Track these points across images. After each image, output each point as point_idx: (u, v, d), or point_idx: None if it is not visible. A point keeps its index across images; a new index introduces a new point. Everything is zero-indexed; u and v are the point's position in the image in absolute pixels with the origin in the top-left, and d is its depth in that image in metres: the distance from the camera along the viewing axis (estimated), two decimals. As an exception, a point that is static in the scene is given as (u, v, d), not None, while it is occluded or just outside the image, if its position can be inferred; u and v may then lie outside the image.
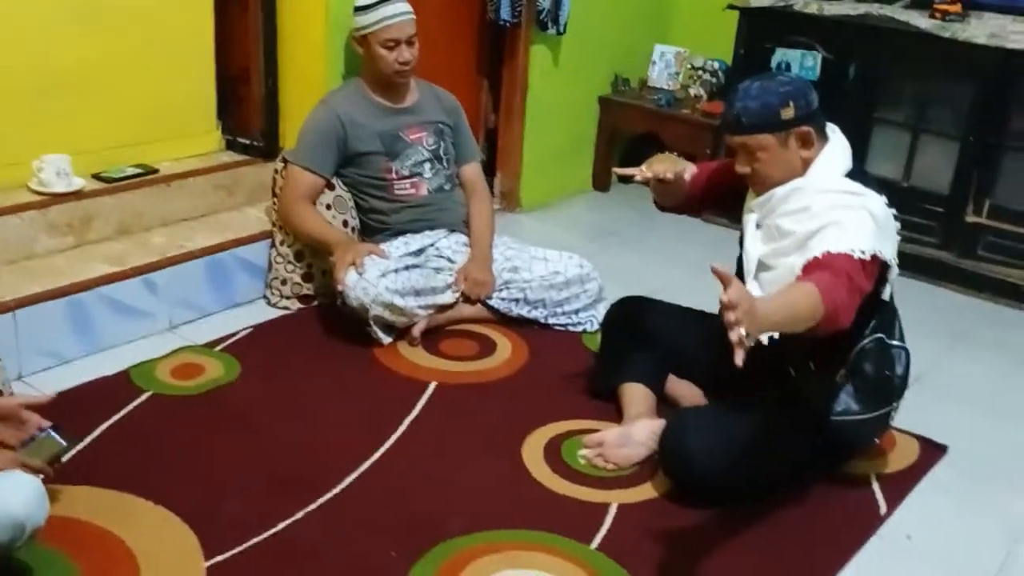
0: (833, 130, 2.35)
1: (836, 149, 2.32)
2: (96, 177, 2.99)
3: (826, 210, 2.20)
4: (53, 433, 1.96)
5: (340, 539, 2.11)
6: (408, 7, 3.08)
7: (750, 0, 4.16)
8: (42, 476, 1.91)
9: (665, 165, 2.50)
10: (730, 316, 1.74)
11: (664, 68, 4.67)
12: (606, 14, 4.38)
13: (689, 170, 2.57)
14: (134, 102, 3.07)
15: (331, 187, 3.12)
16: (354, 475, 2.32)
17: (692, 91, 4.54)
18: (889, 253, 2.22)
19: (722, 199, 2.60)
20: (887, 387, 2.41)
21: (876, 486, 2.47)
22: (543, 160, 4.30)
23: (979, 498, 2.50)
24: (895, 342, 2.40)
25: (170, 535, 2.05)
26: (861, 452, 2.53)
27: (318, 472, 2.31)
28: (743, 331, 1.74)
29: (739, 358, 1.73)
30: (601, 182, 4.62)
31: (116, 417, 2.46)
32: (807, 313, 1.98)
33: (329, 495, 2.24)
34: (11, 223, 2.71)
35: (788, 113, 2.24)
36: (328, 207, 3.10)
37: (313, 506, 2.19)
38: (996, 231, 3.76)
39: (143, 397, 2.57)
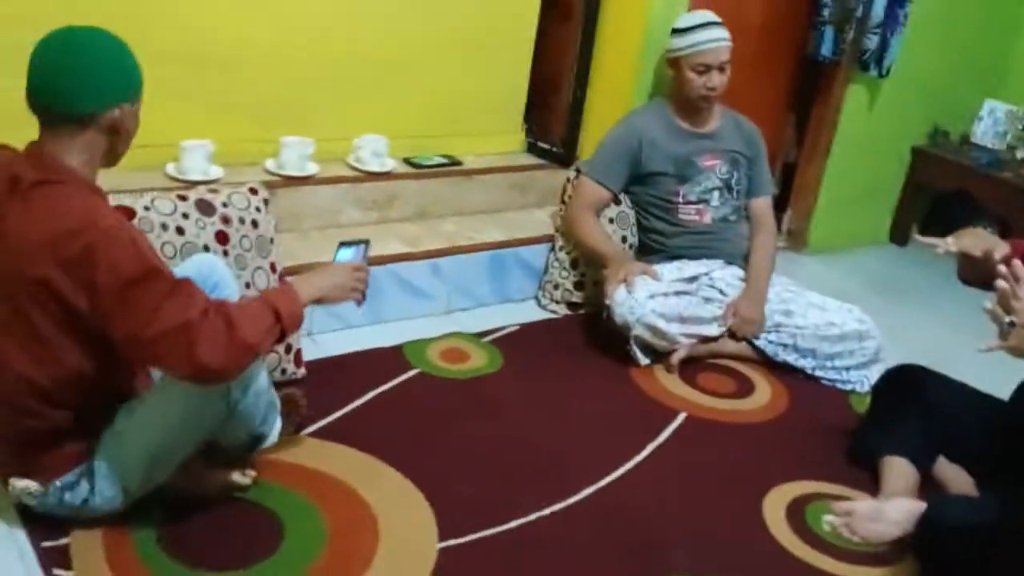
0: None
1: None
2: (406, 161, 3.22)
3: None
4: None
5: (569, 549, 2.14)
6: (725, 34, 3.05)
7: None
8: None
9: (974, 240, 2.32)
10: (1017, 304, 1.74)
11: (992, 125, 4.33)
12: (935, 60, 4.12)
13: (1000, 249, 2.36)
14: (450, 96, 3.27)
15: (617, 202, 3.16)
16: (593, 488, 2.34)
17: (1019, 153, 4.18)
18: None
19: None
20: None
21: None
22: (840, 203, 4.13)
23: None
24: None
25: (411, 507, 2.17)
26: None
27: (559, 476, 2.36)
28: (1013, 334, 1.74)
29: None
30: (899, 235, 4.35)
31: (384, 387, 2.63)
32: None
33: (566, 502, 2.28)
34: (325, 192, 2.97)
35: None
36: (611, 221, 3.15)
37: (548, 510, 2.24)
38: None
39: (411, 373, 2.73)
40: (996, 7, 4.28)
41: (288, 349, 2.52)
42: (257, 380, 1.95)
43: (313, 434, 2.36)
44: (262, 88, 2.88)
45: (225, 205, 2.39)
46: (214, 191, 2.42)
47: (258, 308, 1.81)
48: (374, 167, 3.07)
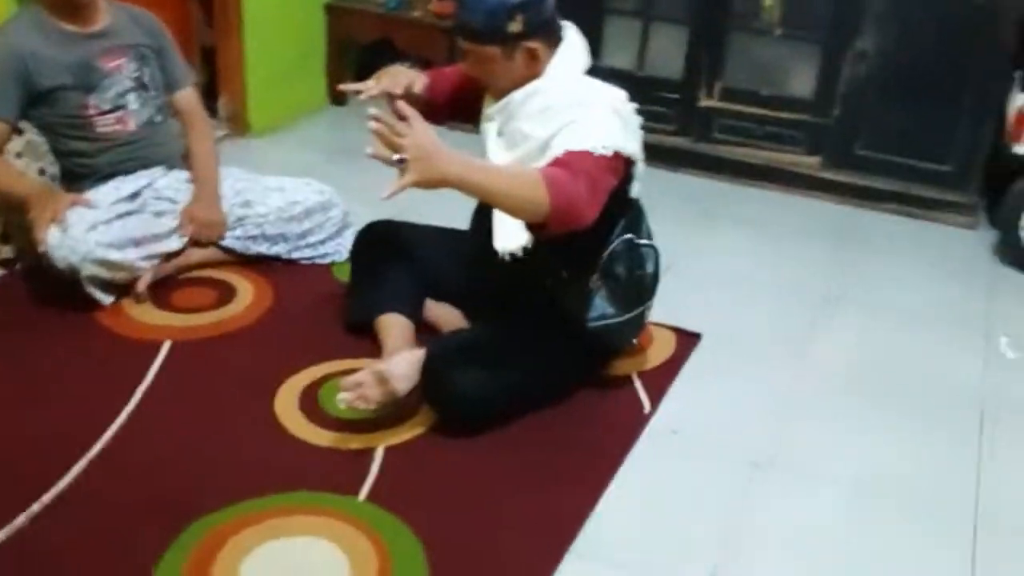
0: (569, 27, 2.27)
1: (573, 48, 2.26)
2: None
3: (566, 109, 2.14)
4: None
5: (78, 537, 1.85)
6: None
7: None
8: None
9: (393, 79, 2.34)
10: (400, 140, 1.83)
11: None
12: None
13: (419, 81, 2.40)
14: None
15: (19, 132, 2.70)
16: (83, 462, 2.04)
17: (422, -9, 4.32)
18: (633, 148, 2.18)
19: (462, 107, 2.46)
20: (640, 287, 2.40)
21: (638, 384, 2.48)
22: (270, 77, 3.98)
23: (741, 379, 2.56)
24: (644, 241, 2.39)
25: None
26: (621, 353, 2.52)
27: (43, 465, 2.01)
28: (409, 169, 1.83)
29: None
30: (337, 96, 4.34)
31: None
32: (519, 193, 1.95)
33: (56, 489, 1.96)
34: None
35: (515, 27, 2.15)
36: (19, 156, 2.69)
37: (37, 505, 1.91)
38: (729, 112, 3.85)
39: None
40: None
41: None
42: None
43: None
44: None
45: None
46: None
47: None
48: None
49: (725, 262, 3.20)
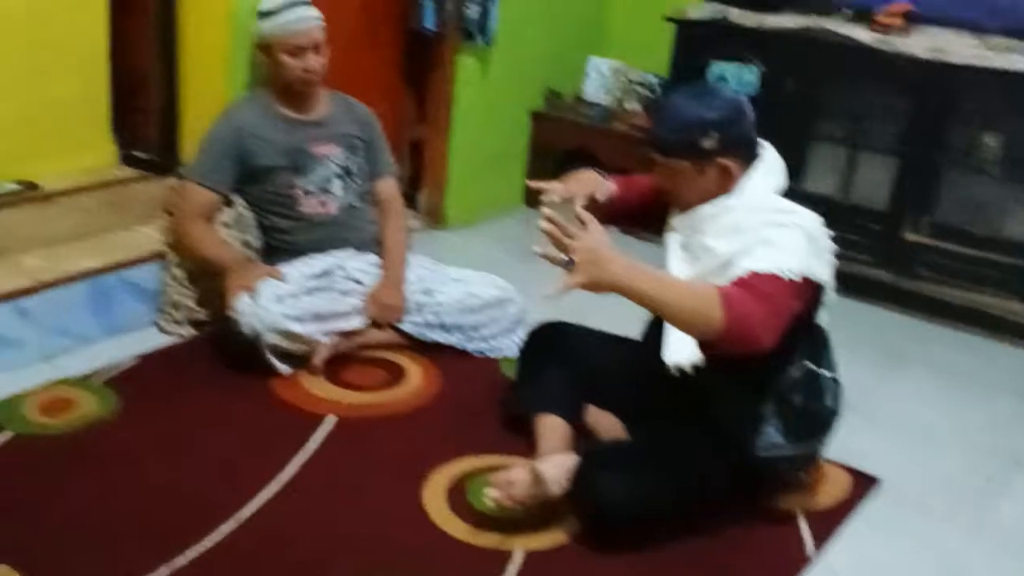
0: (765, 147, 2.21)
1: (769, 167, 2.19)
2: (-36, 194, 2.74)
3: (756, 228, 2.06)
4: None
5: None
6: (315, 12, 2.88)
7: (687, 12, 4.02)
8: None
9: (580, 184, 2.35)
10: (570, 242, 1.84)
11: (599, 81, 4.50)
12: (537, 24, 4.21)
13: (604, 189, 2.40)
14: (12, 111, 2.81)
15: (230, 204, 2.90)
16: (232, 523, 2.09)
17: (628, 106, 4.39)
18: (823, 274, 2.08)
19: (649, 215, 2.43)
20: (816, 420, 2.25)
21: (803, 523, 2.31)
22: (471, 175, 4.11)
23: (913, 534, 2.34)
24: (825, 371, 2.25)
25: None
26: (788, 487, 2.36)
27: (192, 520, 2.08)
28: (576, 271, 1.85)
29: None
30: (533, 199, 4.41)
31: (-36, 462, 2.21)
32: (691, 306, 1.89)
33: (200, 546, 2.00)
34: None
35: (709, 143, 2.10)
36: (227, 226, 2.88)
37: (182, 559, 1.96)
38: (935, 250, 3.63)
39: (2, 438, 2.31)
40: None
41: None
42: None
43: None
44: None
45: None
46: None
47: None
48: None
49: (912, 407, 2.96)
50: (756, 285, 1.95)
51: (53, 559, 1.92)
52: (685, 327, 1.96)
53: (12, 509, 2.07)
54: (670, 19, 4.03)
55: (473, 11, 3.78)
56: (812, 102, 3.80)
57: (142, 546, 1.99)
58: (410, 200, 3.87)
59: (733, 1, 3.94)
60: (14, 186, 2.83)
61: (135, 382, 2.62)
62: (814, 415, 2.23)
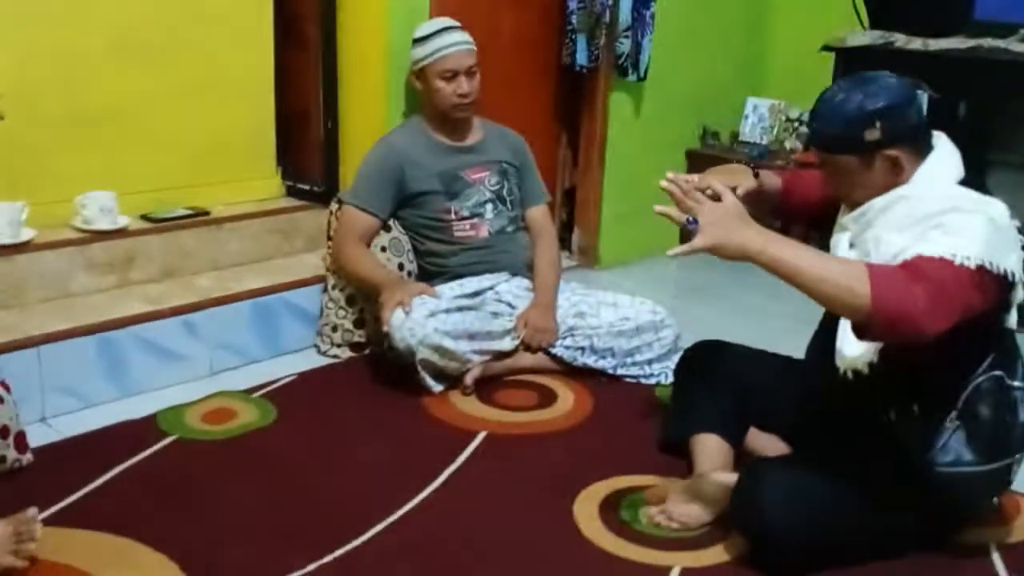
0: (940, 136, 2.04)
1: (944, 157, 2.01)
2: (143, 217, 2.89)
3: (932, 216, 1.88)
4: None
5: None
6: (467, 37, 2.93)
7: (847, 40, 3.88)
8: None
9: (720, 176, 2.14)
10: (694, 204, 1.79)
11: (757, 122, 4.40)
12: (691, 60, 4.17)
13: (746, 185, 2.26)
14: (188, 143, 2.98)
15: (387, 229, 2.95)
16: (378, 527, 2.06)
17: (787, 144, 4.26)
18: (1007, 266, 1.86)
19: (816, 213, 2.30)
20: (1008, 435, 2.02)
21: (996, 557, 2.07)
22: (625, 215, 4.06)
23: None
24: (1017, 383, 2.03)
25: (163, 583, 1.84)
26: (976, 517, 2.13)
27: (339, 523, 2.06)
28: (701, 232, 1.78)
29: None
30: (688, 239, 4.31)
31: (132, 461, 2.27)
32: (834, 279, 1.76)
33: (347, 547, 1.98)
34: (47, 259, 2.62)
35: (873, 135, 1.94)
36: (383, 249, 2.93)
37: (328, 558, 1.94)
38: None
39: (166, 441, 2.38)
40: (740, 4, 4.38)
41: (5, 432, 2.13)
42: None
43: (45, 521, 1.96)
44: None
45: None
46: None
47: None
48: (103, 225, 2.73)
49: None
50: (921, 267, 1.78)
51: (206, 552, 1.94)
52: (827, 301, 1.82)
53: (170, 505, 2.11)
54: (827, 47, 3.89)
55: (625, 46, 3.77)
56: (987, 127, 3.58)
57: (289, 543, 1.98)
58: (564, 242, 3.85)
59: (899, 26, 3.78)
60: (186, 211, 2.97)
61: (293, 396, 2.67)
62: (1007, 430, 2.00)
